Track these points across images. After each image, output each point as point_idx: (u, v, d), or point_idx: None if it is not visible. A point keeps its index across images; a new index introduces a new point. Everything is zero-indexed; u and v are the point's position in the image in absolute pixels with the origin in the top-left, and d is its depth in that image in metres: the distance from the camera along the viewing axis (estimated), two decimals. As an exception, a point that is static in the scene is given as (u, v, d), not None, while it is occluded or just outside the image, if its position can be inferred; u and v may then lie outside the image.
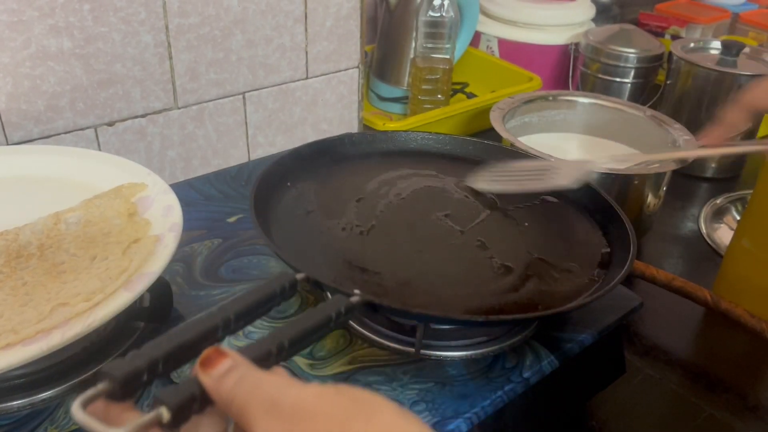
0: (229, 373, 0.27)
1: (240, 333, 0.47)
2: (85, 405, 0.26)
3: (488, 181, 0.59)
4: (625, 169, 0.70)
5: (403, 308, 0.45)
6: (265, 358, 0.30)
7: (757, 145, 0.61)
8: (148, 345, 0.29)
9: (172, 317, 0.50)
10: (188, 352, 0.31)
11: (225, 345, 0.38)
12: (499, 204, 0.58)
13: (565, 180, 0.57)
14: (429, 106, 0.92)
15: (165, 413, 0.26)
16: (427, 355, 0.48)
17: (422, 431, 0.26)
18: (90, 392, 0.26)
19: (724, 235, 0.79)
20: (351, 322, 0.50)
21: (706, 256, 0.77)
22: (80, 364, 0.45)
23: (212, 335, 0.32)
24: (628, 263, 0.48)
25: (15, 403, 0.43)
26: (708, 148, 0.60)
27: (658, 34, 1.18)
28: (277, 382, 0.27)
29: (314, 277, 0.42)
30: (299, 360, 0.47)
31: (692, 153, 0.69)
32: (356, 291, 0.39)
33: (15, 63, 0.58)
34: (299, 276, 0.39)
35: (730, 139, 0.57)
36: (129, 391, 0.28)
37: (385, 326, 0.49)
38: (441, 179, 0.62)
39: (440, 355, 0.48)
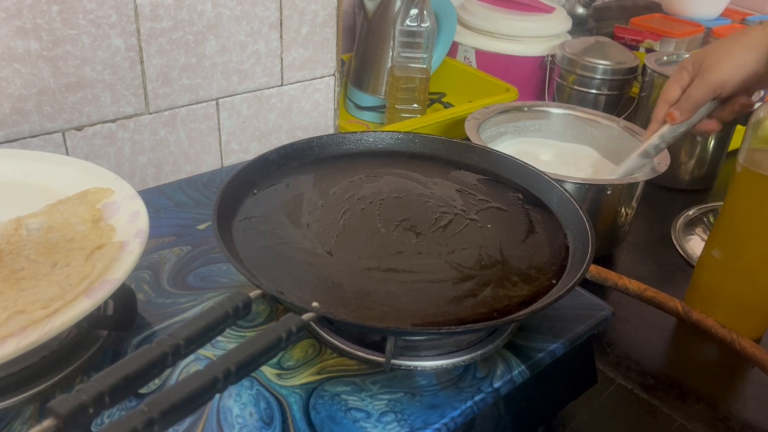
0: None
1: (208, 345, 0.47)
2: None
3: None
4: (599, 179, 0.70)
5: (356, 322, 0.44)
6: (212, 385, 0.30)
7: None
8: (94, 378, 0.30)
9: (138, 325, 0.49)
10: (136, 382, 0.31)
11: (196, 355, 0.37)
12: (464, 206, 0.58)
13: None
14: (406, 115, 0.92)
15: None
16: (397, 365, 0.47)
17: None
18: (35, 430, 0.27)
19: (696, 245, 0.80)
20: (320, 332, 0.49)
21: (678, 267, 0.77)
22: (40, 374, 0.44)
23: (161, 363, 0.32)
24: (584, 267, 0.48)
25: (-31, 414, 0.41)
26: None
27: (632, 47, 1.19)
28: None
29: (270, 292, 0.41)
30: (266, 370, 0.46)
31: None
32: (314, 304, 0.39)
33: (-21, 64, 0.57)
34: (254, 294, 0.38)
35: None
36: (75, 425, 0.28)
37: (354, 336, 0.48)
38: (408, 180, 0.61)
39: (410, 365, 0.47)
